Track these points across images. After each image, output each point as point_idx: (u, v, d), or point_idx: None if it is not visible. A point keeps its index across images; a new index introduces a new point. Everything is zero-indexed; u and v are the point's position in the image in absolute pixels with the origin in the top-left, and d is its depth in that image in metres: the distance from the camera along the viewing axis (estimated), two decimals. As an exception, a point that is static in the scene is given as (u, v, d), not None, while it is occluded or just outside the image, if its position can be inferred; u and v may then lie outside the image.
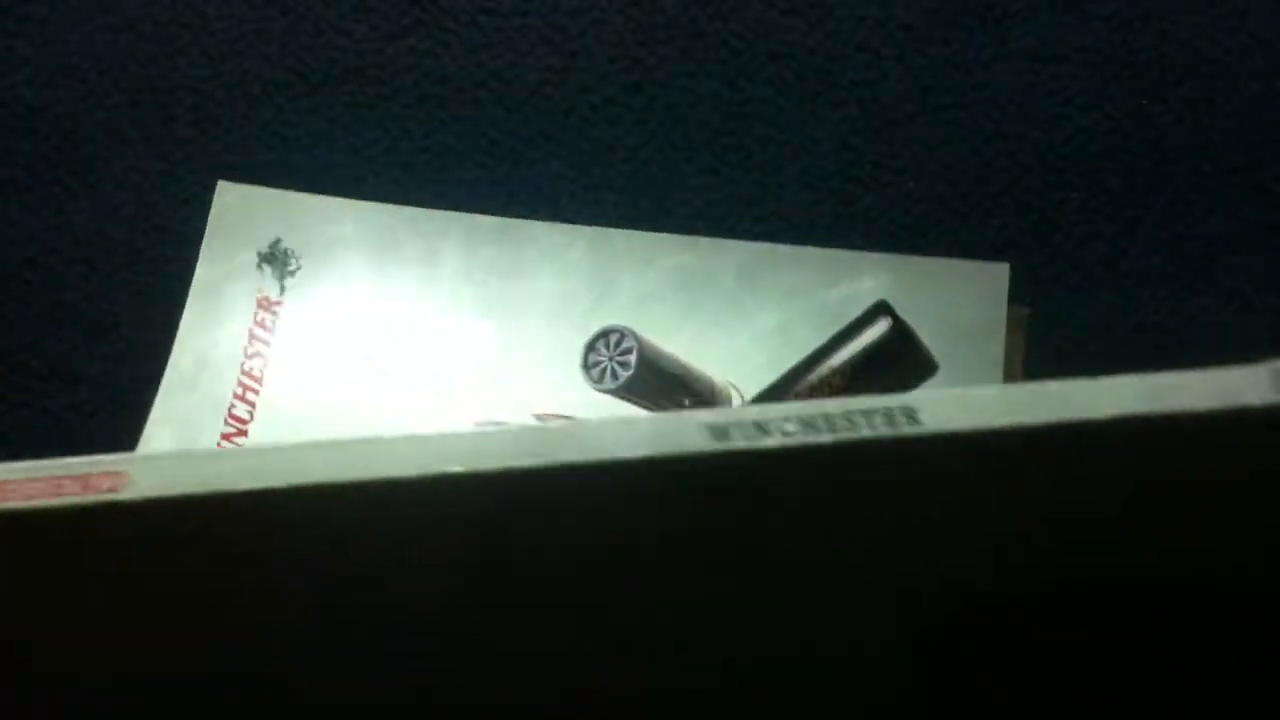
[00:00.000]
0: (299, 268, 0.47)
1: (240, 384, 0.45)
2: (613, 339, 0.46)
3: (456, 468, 0.14)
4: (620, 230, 0.47)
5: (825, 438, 0.14)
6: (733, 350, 0.46)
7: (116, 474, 0.13)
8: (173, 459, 0.13)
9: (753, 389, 0.45)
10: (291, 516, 0.14)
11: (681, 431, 0.14)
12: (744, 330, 0.46)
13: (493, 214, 0.48)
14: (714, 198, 0.48)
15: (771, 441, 0.14)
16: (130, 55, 0.51)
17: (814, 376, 0.45)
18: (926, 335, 0.45)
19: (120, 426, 0.45)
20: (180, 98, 0.50)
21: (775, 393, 0.45)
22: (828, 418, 0.14)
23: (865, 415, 0.14)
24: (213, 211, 0.47)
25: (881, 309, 0.46)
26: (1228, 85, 0.49)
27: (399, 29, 0.51)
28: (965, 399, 0.14)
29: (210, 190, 0.49)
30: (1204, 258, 0.47)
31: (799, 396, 0.45)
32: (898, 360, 0.45)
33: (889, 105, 0.49)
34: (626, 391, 0.45)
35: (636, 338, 0.46)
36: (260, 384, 0.45)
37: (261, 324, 0.46)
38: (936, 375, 0.45)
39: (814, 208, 0.48)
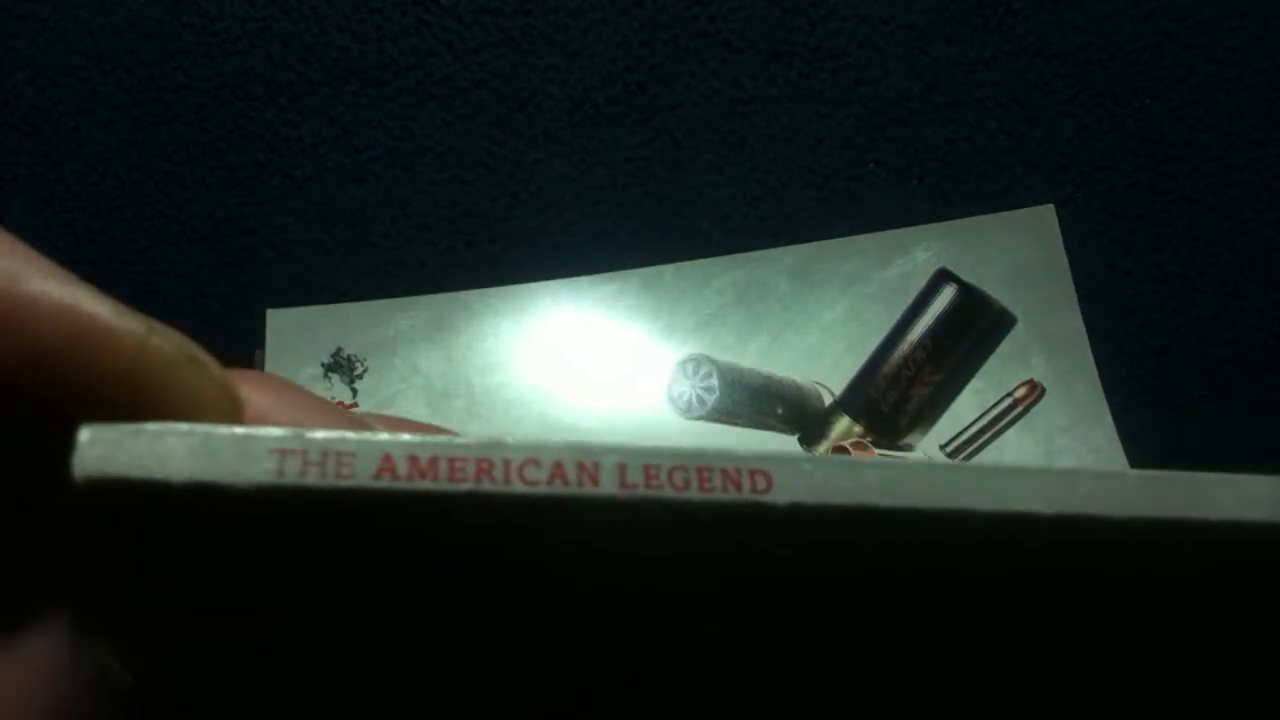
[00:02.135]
0: (365, 369, 0.47)
1: None
2: (689, 367, 0.46)
3: (1099, 511, 0.13)
4: (668, 265, 0.48)
5: None
6: (806, 350, 0.46)
7: (765, 474, 0.13)
8: (813, 464, 0.13)
9: (836, 380, 0.46)
10: (917, 535, 0.13)
11: None
12: (812, 328, 0.46)
13: (493, 214, 0.48)
14: (717, 197, 0.48)
15: None
16: (132, 55, 0.50)
17: (896, 356, 0.45)
18: (993, 290, 0.46)
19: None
20: (182, 97, 0.50)
21: (862, 381, 0.45)
22: None
23: None
24: (268, 340, 0.47)
25: (944, 276, 0.46)
26: (1228, 85, 0.49)
27: (400, 29, 0.51)
28: None
29: (208, 189, 0.49)
30: (1206, 256, 0.47)
31: (886, 379, 0.45)
32: (973, 322, 0.46)
33: (892, 103, 0.49)
34: (717, 414, 0.45)
35: (713, 360, 0.46)
36: None
37: None
38: (1017, 325, 0.46)
39: (817, 206, 0.48)
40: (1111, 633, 0.16)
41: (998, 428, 0.45)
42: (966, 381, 0.46)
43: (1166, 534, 0.14)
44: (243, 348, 0.47)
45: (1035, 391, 0.45)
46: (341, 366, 0.47)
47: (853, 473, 0.13)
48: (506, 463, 0.12)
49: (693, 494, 0.12)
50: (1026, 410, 0.45)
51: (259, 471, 0.12)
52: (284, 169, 0.49)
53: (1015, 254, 0.47)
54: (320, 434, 0.12)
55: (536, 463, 0.12)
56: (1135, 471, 0.14)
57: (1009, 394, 0.45)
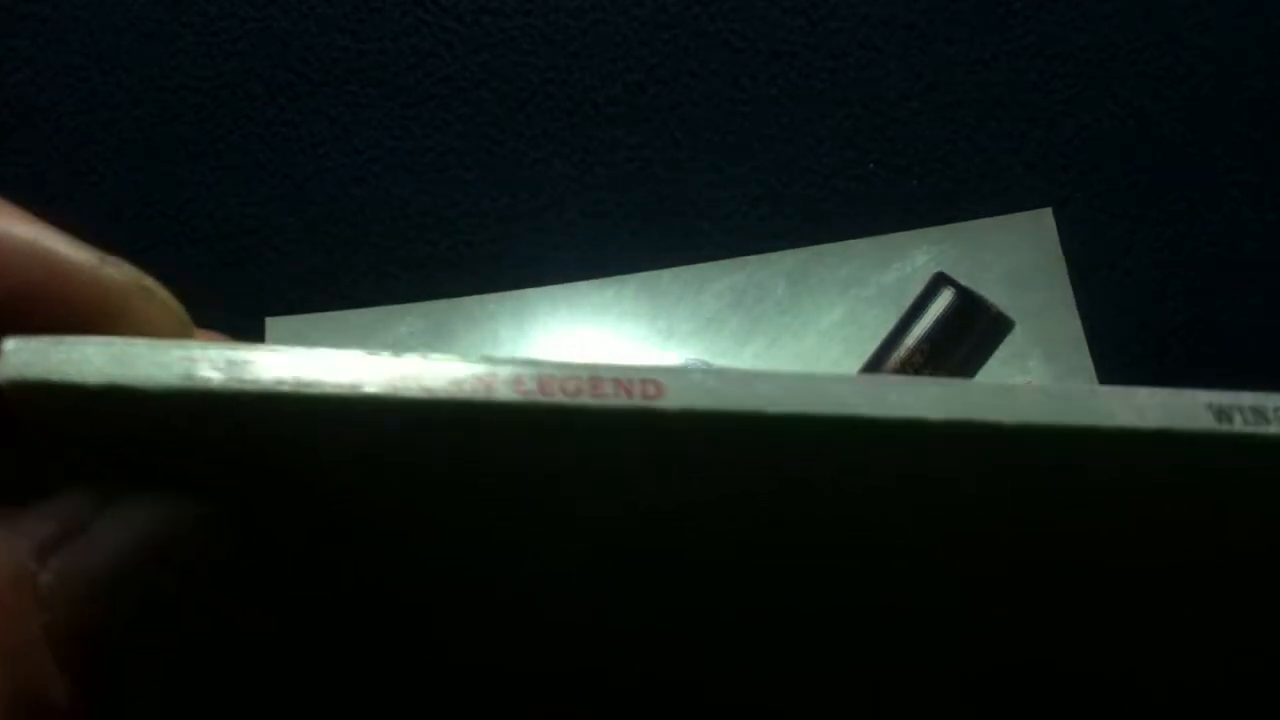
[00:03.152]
0: None
1: None
2: None
3: (990, 416, 0.13)
4: (666, 269, 0.48)
5: None
6: (804, 353, 0.46)
7: (656, 382, 0.13)
8: (705, 374, 0.13)
9: None
10: (804, 445, 0.13)
11: (1188, 409, 0.14)
12: (809, 331, 0.46)
13: (493, 214, 0.48)
14: (717, 196, 0.48)
15: (1273, 429, 0.14)
16: (132, 55, 0.50)
17: (894, 360, 0.45)
18: (992, 294, 0.46)
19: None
20: (182, 97, 0.50)
21: None
22: None
23: None
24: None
25: (942, 280, 0.46)
26: (1228, 85, 0.49)
27: (400, 29, 0.51)
28: None
29: (208, 189, 0.49)
30: (1206, 256, 0.47)
31: None
32: (971, 325, 0.46)
33: (892, 103, 0.49)
34: None
35: (710, 365, 0.46)
36: None
37: None
38: (1015, 329, 0.46)
39: (817, 206, 0.48)
40: (1046, 594, 0.16)
41: None
42: (965, 386, 0.45)
43: (1060, 445, 0.14)
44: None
45: None
46: None
47: (743, 382, 0.13)
48: (405, 375, 0.13)
49: (585, 399, 0.13)
50: None
51: (168, 376, 0.12)
52: (284, 169, 0.49)
53: (1013, 258, 0.47)
54: (226, 346, 0.13)
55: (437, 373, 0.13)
56: (1030, 385, 0.14)
57: None
